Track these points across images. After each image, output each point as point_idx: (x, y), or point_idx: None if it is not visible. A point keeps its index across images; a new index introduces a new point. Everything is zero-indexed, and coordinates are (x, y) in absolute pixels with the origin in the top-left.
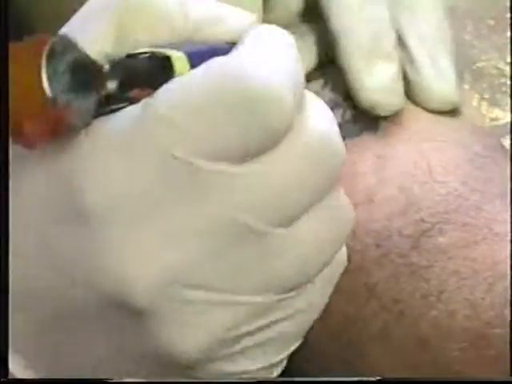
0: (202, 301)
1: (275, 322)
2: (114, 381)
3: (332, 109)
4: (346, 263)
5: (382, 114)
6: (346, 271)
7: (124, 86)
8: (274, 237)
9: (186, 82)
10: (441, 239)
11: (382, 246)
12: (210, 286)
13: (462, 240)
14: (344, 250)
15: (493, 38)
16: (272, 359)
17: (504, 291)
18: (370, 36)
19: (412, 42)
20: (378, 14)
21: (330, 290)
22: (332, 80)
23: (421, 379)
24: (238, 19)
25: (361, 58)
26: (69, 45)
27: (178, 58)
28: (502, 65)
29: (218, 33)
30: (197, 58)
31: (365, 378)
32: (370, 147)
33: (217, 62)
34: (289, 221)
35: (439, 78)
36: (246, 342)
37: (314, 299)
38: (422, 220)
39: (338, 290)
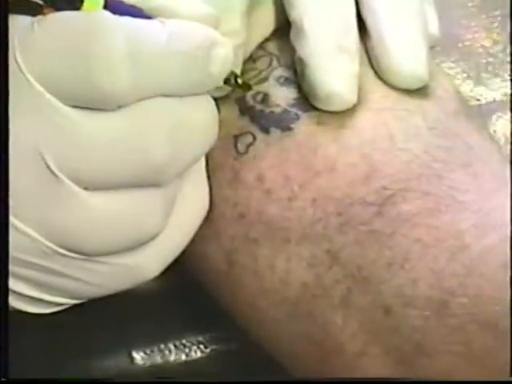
0: None
1: None
2: (114, 381)
3: (284, 85)
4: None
5: (334, 109)
6: (306, 240)
7: None
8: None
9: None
10: (404, 207)
11: (344, 214)
12: None
13: (426, 208)
14: None
15: (481, 17)
16: None
17: (467, 261)
18: (336, 31)
19: (378, 17)
20: (345, 10)
21: None
22: (281, 56)
23: (421, 380)
24: (191, 10)
25: (323, 52)
26: None
27: None
28: (488, 43)
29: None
30: (114, 9)
31: (367, 378)
32: (329, 119)
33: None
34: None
35: (410, 58)
36: None
37: None
38: (385, 187)
39: (296, 258)
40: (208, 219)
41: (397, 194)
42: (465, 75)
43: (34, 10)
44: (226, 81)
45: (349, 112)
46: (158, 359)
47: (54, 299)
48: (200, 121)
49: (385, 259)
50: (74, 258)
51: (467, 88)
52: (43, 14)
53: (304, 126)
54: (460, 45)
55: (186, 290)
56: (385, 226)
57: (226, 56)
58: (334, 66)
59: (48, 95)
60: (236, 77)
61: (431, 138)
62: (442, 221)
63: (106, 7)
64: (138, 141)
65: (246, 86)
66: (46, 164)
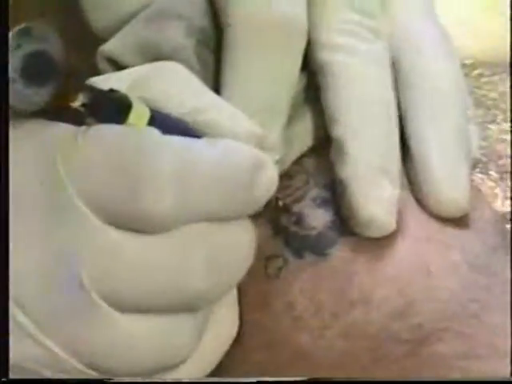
0: None
1: None
2: (114, 381)
3: (320, 206)
4: None
5: (373, 235)
6: (334, 372)
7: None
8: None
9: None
10: (439, 348)
11: (376, 350)
12: None
13: (461, 352)
14: None
15: None
16: None
17: None
18: (380, 153)
19: (425, 145)
20: (389, 127)
21: None
22: (318, 175)
23: (422, 380)
24: (239, 128)
25: (365, 175)
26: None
27: (139, 112)
28: None
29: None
30: (160, 123)
31: (363, 378)
32: (365, 245)
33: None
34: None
35: (451, 185)
36: None
37: None
38: (421, 326)
39: None
40: (235, 342)
41: (433, 333)
42: (503, 195)
43: (77, 119)
44: (267, 203)
45: (386, 239)
46: None
47: None
48: (240, 245)
49: None
50: (96, 377)
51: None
52: (86, 124)
53: (340, 252)
54: (500, 162)
55: None
56: (416, 366)
57: (271, 180)
58: (375, 190)
59: (88, 211)
60: (277, 199)
61: (469, 275)
62: (478, 368)
63: (151, 121)
64: (177, 267)
65: (286, 208)
66: (81, 281)
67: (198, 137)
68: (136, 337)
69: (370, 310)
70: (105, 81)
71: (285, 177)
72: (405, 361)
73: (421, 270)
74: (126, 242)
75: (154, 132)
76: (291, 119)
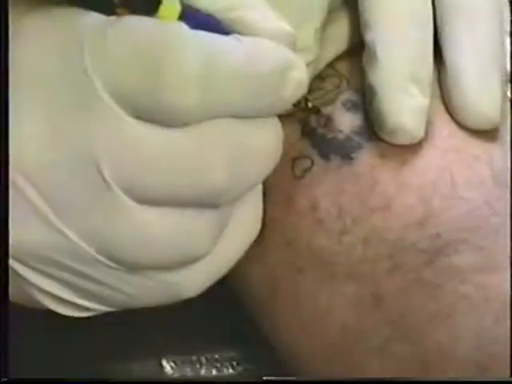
0: None
1: None
2: (114, 381)
3: (350, 110)
4: None
5: (400, 142)
6: (352, 278)
7: None
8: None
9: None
10: (456, 259)
11: (394, 258)
12: None
13: (477, 264)
14: None
15: None
16: None
17: None
18: (411, 59)
19: (460, 55)
20: (422, 37)
21: None
22: (351, 78)
23: (422, 380)
24: (270, 27)
25: (394, 81)
26: None
27: (169, 6)
28: None
29: (241, 18)
30: (190, 18)
31: (367, 378)
32: (392, 152)
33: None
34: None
35: (483, 98)
36: None
37: None
38: (439, 235)
39: (339, 295)
40: (255, 241)
41: (450, 244)
42: None
43: (108, 9)
44: (296, 103)
45: (413, 148)
46: (188, 371)
47: (86, 304)
48: (265, 144)
49: (429, 311)
50: (113, 268)
51: None
52: (116, 14)
53: (365, 157)
54: None
55: (227, 305)
56: (434, 276)
57: (300, 80)
58: (404, 98)
59: (113, 103)
60: (307, 100)
61: (494, 189)
62: (493, 279)
63: (182, 16)
64: (198, 161)
65: (316, 110)
66: (100, 171)
67: (228, 34)
68: (155, 228)
69: (389, 216)
70: None
71: (317, 79)
72: (421, 270)
73: (445, 179)
74: (149, 133)
75: (183, 26)
76: (327, 21)
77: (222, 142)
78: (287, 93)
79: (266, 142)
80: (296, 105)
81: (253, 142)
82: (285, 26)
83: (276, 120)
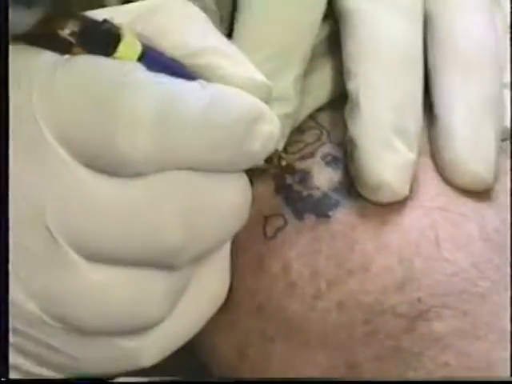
0: None
1: None
2: (114, 381)
3: (330, 164)
4: None
5: (382, 200)
6: (326, 346)
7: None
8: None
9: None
10: (437, 325)
11: (371, 323)
12: None
13: (460, 330)
14: None
15: None
16: None
17: None
18: (396, 111)
19: (451, 109)
20: (410, 82)
21: None
22: (333, 131)
23: (422, 380)
24: (241, 75)
25: (377, 134)
26: None
27: (129, 45)
28: None
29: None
30: (152, 61)
31: (366, 379)
32: (373, 210)
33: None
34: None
35: (475, 156)
36: None
37: None
38: (420, 300)
39: (312, 364)
40: (223, 307)
41: (432, 309)
42: None
43: (63, 48)
44: (268, 159)
45: (397, 206)
46: None
47: (38, 370)
48: (228, 201)
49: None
50: (65, 331)
51: None
52: (72, 53)
53: (343, 215)
54: None
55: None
56: (413, 344)
57: (270, 134)
58: (387, 153)
59: (61, 150)
60: (280, 157)
61: (483, 251)
62: (475, 347)
63: (142, 58)
64: (151, 217)
65: (290, 169)
66: (47, 226)
67: (194, 80)
68: (106, 290)
69: (367, 279)
70: (110, 12)
71: (296, 131)
72: (399, 337)
73: (429, 239)
74: (96, 182)
75: (139, 67)
76: (309, 71)
77: (177, 196)
78: (254, 147)
79: (230, 198)
80: (268, 161)
81: (213, 198)
82: (257, 76)
83: (243, 176)
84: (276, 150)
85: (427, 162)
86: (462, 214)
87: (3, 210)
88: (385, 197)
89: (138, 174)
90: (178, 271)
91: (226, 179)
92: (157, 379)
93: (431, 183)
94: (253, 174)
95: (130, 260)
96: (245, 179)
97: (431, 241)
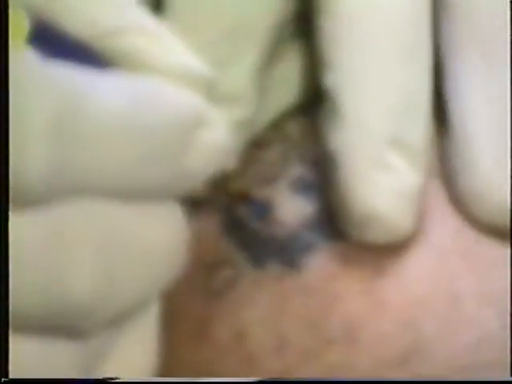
0: None
1: None
2: (114, 381)
3: (300, 191)
4: None
5: (375, 240)
6: None
7: None
8: None
9: None
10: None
11: None
12: None
13: None
14: None
15: None
16: None
17: None
18: (391, 116)
19: (473, 117)
20: (412, 79)
21: None
22: (305, 146)
23: (421, 380)
24: (175, 64)
25: (366, 148)
26: None
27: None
28: None
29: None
30: (47, 43)
31: (366, 378)
32: (360, 254)
33: None
34: None
35: (504, 182)
36: None
37: None
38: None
39: None
40: None
41: None
42: None
43: None
44: (212, 184)
45: (396, 248)
46: None
47: None
48: (157, 243)
49: None
50: None
51: None
52: None
53: (320, 262)
54: None
55: None
56: None
57: (214, 146)
58: (380, 172)
59: None
60: (230, 181)
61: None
62: None
63: (32, 39)
64: (51, 263)
65: (242, 195)
66: None
67: (106, 71)
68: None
69: (355, 351)
70: None
71: (254, 144)
72: None
73: (444, 296)
74: None
75: (28, 56)
76: (272, 60)
77: (87, 234)
78: (192, 162)
79: (160, 238)
80: (213, 186)
81: (137, 237)
82: (194, 63)
83: (175, 206)
84: (224, 172)
85: (436, 187)
86: (487, 258)
87: (3, 208)
88: (378, 235)
89: (32, 205)
90: (87, 339)
91: (154, 211)
92: (157, 379)
93: (441, 214)
94: (192, 204)
95: (24, 320)
96: (180, 212)
97: (446, 296)
